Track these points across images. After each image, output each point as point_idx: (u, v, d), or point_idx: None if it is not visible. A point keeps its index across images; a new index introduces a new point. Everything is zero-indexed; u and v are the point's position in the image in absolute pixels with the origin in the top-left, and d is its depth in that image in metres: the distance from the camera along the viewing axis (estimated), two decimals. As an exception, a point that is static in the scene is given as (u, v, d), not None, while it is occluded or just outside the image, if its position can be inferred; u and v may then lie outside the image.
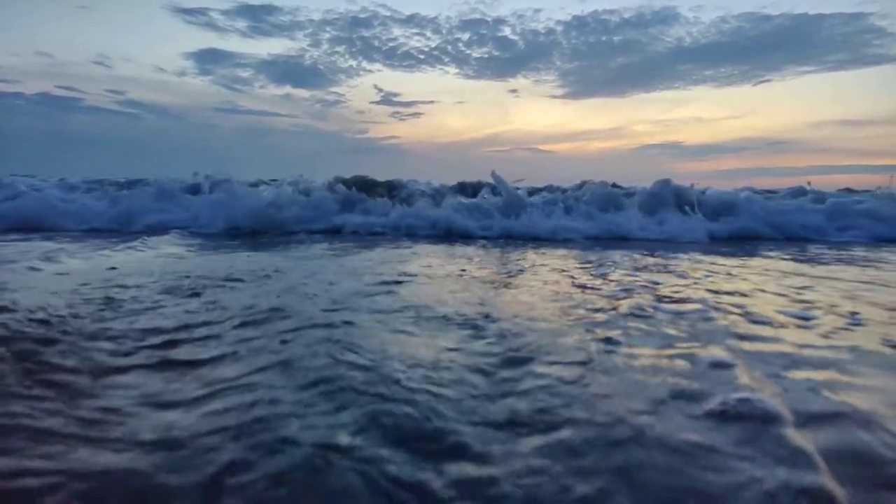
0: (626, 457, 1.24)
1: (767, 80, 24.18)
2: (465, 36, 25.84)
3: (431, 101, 28.38)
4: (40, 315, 2.21)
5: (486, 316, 2.49)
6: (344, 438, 1.28)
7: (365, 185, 9.20)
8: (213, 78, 27.60)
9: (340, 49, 26.54)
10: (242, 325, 2.25)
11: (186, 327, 2.22)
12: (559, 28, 25.45)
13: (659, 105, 30.61)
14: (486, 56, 26.07)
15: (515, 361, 1.86)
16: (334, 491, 1.09)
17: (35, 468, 1.15)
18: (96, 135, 26.41)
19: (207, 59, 26.18)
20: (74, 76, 28.83)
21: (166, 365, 1.79)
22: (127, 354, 1.88)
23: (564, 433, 1.35)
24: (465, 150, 29.73)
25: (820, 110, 29.70)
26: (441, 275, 3.82)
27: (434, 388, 1.59)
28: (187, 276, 3.44)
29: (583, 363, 1.85)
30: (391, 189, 9.40)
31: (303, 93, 29.72)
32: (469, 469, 1.19)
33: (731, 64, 24.65)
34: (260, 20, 26.09)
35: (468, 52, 25.95)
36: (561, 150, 28.87)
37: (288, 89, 28.50)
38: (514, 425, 1.39)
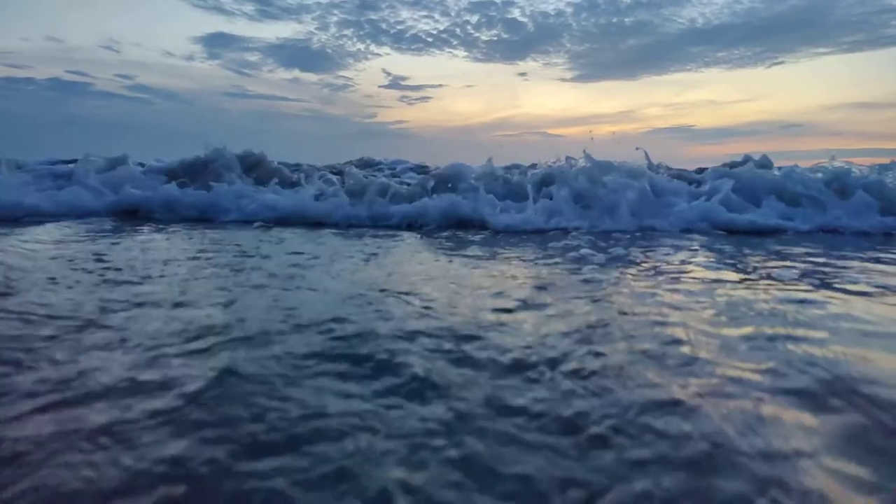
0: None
1: (781, 62, 23.85)
2: (474, 18, 25.67)
3: (440, 85, 28.35)
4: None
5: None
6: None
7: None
8: (221, 62, 27.73)
9: (348, 32, 26.53)
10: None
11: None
12: (569, 10, 25.21)
13: (670, 88, 30.33)
14: (495, 39, 25.92)
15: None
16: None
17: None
18: (107, 120, 26.68)
19: (215, 43, 26.29)
20: (84, 61, 28.98)
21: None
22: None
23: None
24: (473, 135, 29.74)
25: (835, 93, 29.26)
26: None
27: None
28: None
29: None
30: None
31: (311, 77, 29.77)
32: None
33: (744, 45, 24.29)
34: (267, 3, 26.05)
35: (477, 34, 25.80)
36: (571, 134, 28.79)
37: (296, 73, 28.60)
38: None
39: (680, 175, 7.76)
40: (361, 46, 26.83)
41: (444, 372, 1.65)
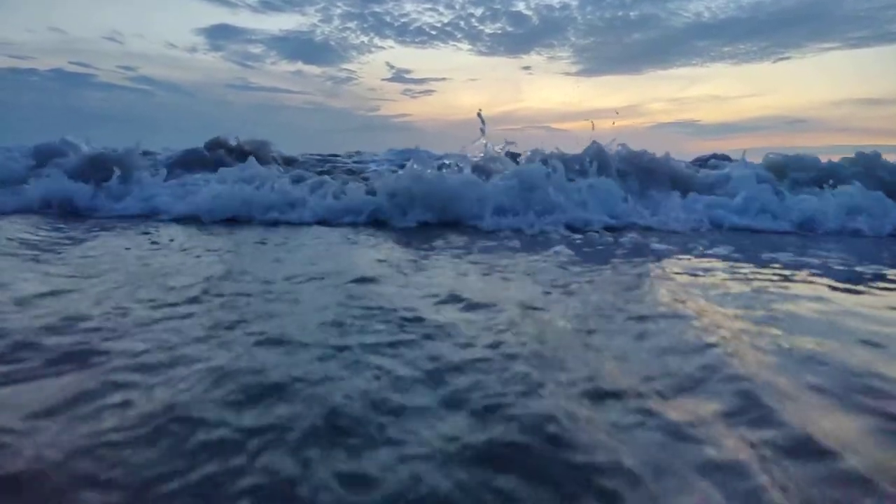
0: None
1: (787, 58, 22.90)
2: (479, 11, 24.80)
3: (443, 79, 27.45)
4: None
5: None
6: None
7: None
8: (224, 54, 26.96)
9: (352, 25, 25.63)
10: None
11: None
12: (574, 3, 24.28)
13: (675, 82, 29.42)
14: (500, 32, 25.00)
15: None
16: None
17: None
18: (110, 111, 25.83)
19: (219, 35, 25.47)
20: (87, 52, 28.26)
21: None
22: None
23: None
24: (477, 129, 28.67)
25: (841, 88, 28.31)
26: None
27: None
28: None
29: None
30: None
31: (314, 69, 28.97)
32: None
33: (750, 40, 23.44)
34: (271, -6, 25.20)
35: (481, 27, 24.90)
36: (575, 128, 27.79)
37: (299, 66, 27.77)
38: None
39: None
40: (365, 39, 26.01)
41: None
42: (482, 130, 6.30)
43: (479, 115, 6.19)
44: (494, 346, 1.86)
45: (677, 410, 1.41)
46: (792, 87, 27.57)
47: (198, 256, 3.45)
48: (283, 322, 2.08)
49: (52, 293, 2.40)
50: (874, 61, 24.46)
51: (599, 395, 1.49)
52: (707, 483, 1.12)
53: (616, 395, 1.50)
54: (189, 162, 7.99)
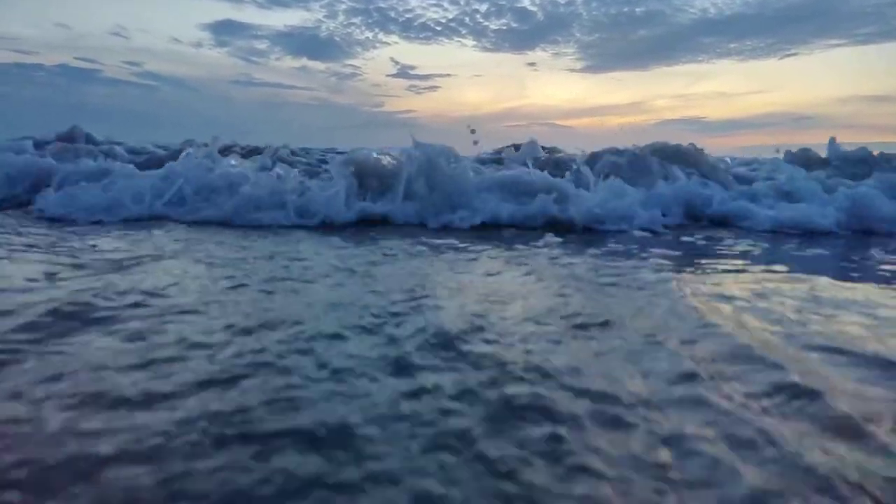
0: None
1: (794, 54, 22.63)
2: (483, 7, 24.35)
3: (448, 75, 27.00)
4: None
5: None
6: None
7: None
8: (229, 50, 26.58)
9: (356, 20, 25.20)
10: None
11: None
12: (579, -1, 23.66)
13: (681, 79, 29.07)
14: (505, 28, 24.58)
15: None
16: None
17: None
18: (115, 106, 25.37)
19: (223, 31, 25.11)
20: (92, 48, 27.92)
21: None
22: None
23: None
24: (481, 125, 28.25)
25: (848, 85, 27.98)
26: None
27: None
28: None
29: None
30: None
31: (318, 65, 28.58)
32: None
33: (756, 37, 23.18)
34: (276, -10, 24.63)
35: (486, 23, 24.44)
36: (579, 125, 27.23)
37: (304, 61, 27.40)
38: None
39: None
40: (370, 35, 25.60)
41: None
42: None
43: (471, 131, 5.62)
44: (500, 301, 2.37)
45: (635, 332, 1.98)
46: (798, 84, 27.30)
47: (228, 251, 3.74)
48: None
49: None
50: (881, 58, 24.13)
51: (578, 325, 2.06)
52: (650, 369, 1.66)
53: (593, 324, 2.06)
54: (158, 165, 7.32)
